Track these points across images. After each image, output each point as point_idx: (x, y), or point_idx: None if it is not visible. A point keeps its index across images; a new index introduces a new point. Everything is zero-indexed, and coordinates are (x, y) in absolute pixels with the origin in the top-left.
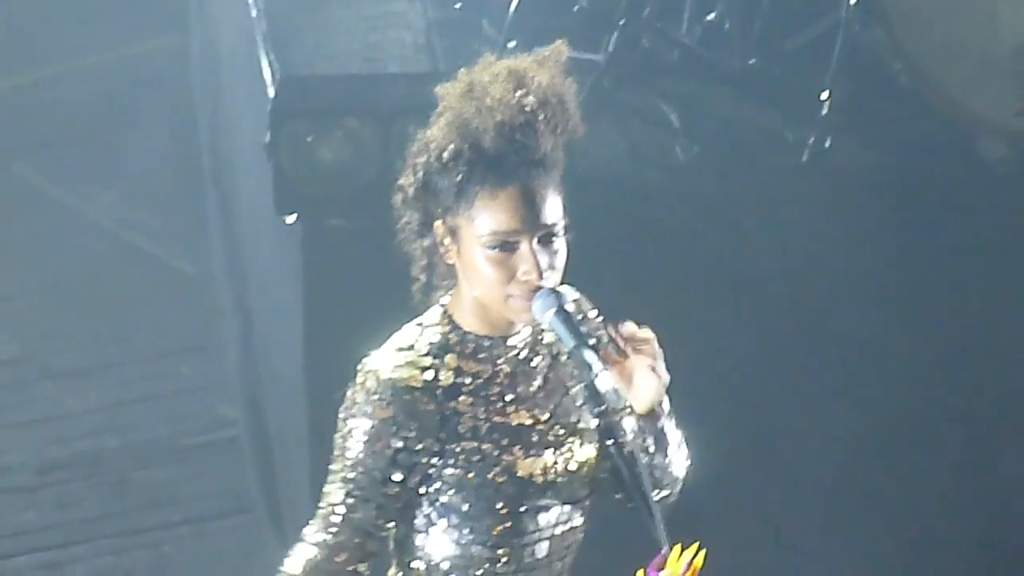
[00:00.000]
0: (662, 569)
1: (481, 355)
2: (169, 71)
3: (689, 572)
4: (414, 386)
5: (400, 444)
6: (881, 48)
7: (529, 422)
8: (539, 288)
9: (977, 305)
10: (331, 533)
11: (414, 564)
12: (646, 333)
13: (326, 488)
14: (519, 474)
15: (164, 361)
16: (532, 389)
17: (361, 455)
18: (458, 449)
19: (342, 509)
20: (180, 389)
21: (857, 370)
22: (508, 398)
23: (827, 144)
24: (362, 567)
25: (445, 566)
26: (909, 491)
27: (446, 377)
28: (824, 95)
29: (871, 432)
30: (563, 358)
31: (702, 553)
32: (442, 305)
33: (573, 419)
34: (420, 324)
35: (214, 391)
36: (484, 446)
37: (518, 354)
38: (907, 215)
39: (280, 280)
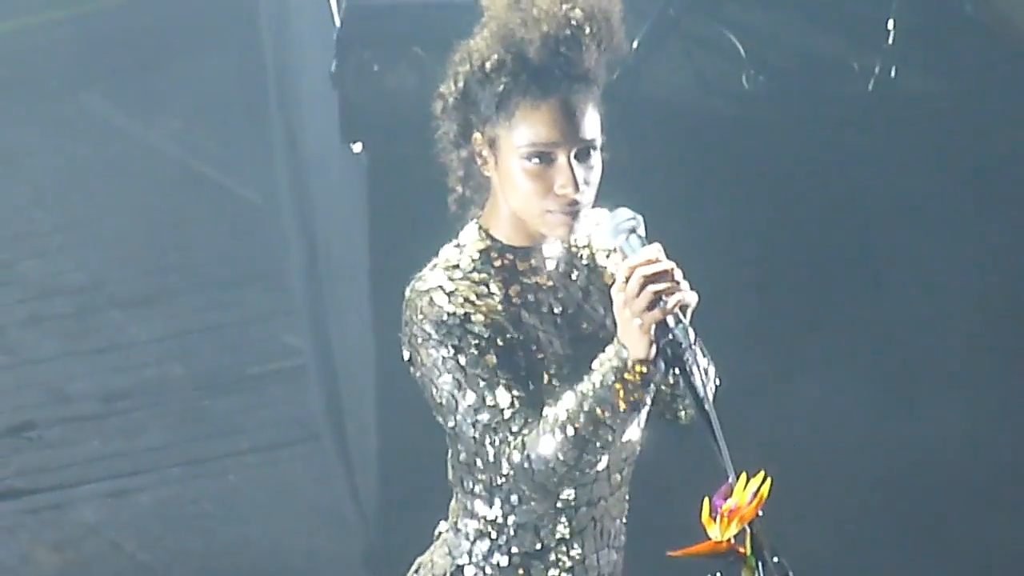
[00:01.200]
0: (728, 498)
1: (522, 266)
2: None
3: (755, 501)
4: (476, 292)
5: (485, 334)
6: None
7: (584, 328)
8: (575, 202)
9: None
10: (524, 420)
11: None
12: (658, 265)
13: (470, 421)
14: None
15: (230, 290)
16: (579, 298)
17: (471, 353)
18: (525, 357)
19: (507, 400)
20: (246, 318)
21: (919, 308)
22: (556, 310)
23: (893, 73)
24: None
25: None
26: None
27: (498, 287)
28: (890, 24)
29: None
30: (600, 270)
31: (768, 482)
32: (476, 221)
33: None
34: (458, 245)
35: (280, 320)
36: (539, 355)
37: (557, 266)
38: (973, 147)
39: (346, 209)
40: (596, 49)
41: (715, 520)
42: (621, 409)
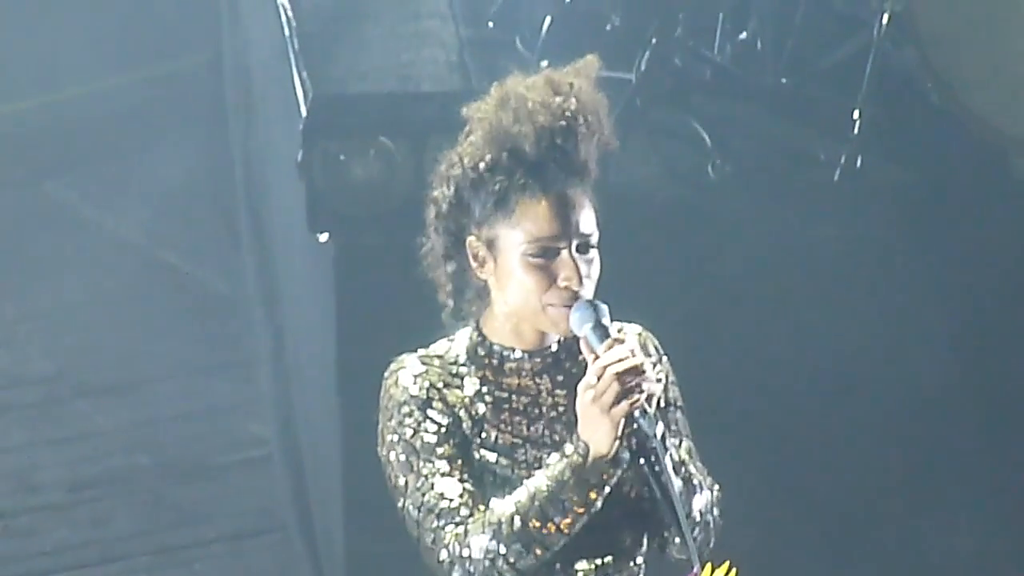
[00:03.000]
0: None
1: (508, 367)
2: (201, 89)
3: None
4: (444, 382)
5: (444, 421)
6: (913, 67)
7: (550, 442)
8: (577, 296)
9: (1009, 324)
10: (469, 512)
11: None
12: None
13: (416, 505)
14: None
15: (197, 379)
16: (560, 409)
17: (427, 440)
18: (480, 459)
19: (452, 507)
20: (212, 407)
21: (886, 389)
22: (533, 414)
23: (859, 163)
24: None
25: None
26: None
27: (471, 384)
28: (856, 114)
29: (901, 453)
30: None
31: (733, 572)
32: (475, 321)
33: None
34: (451, 339)
35: (246, 409)
36: (503, 461)
37: (547, 371)
38: (938, 234)
39: (312, 298)
40: (589, 142)
41: None
42: (576, 509)
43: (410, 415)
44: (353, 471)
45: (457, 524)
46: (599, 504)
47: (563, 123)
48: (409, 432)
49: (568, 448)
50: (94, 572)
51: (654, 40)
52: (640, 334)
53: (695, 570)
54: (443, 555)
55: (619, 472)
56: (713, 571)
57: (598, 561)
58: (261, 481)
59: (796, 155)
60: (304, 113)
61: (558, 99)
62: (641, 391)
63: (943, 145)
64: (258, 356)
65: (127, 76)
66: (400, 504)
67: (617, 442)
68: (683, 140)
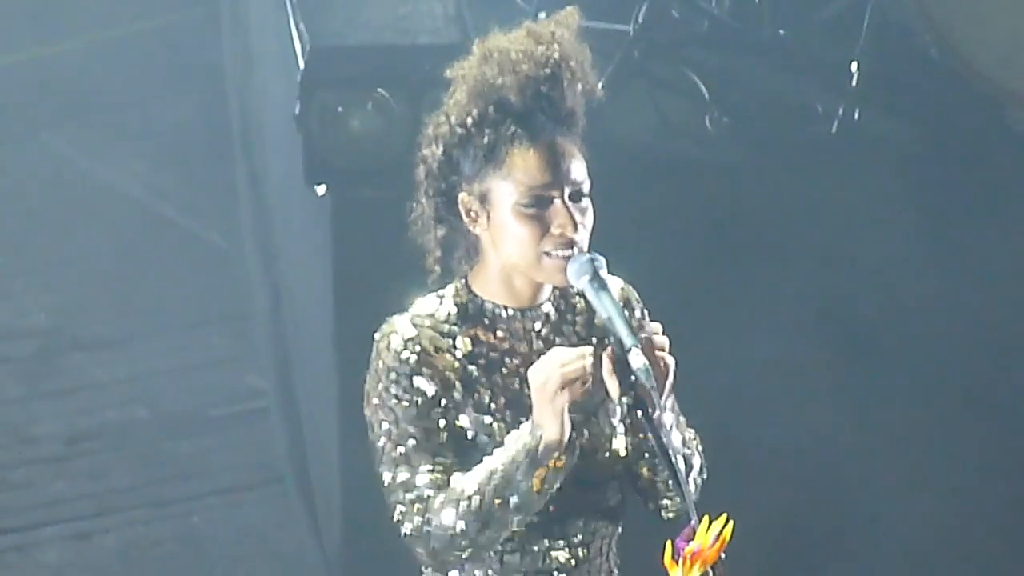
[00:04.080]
0: (691, 540)
1: (500, 326)
2: (199, 41)
3: (717, 544)
4: (436, 346)
5: (434, 396)
6: (911, 19)
7: None
8: (572, 243)
9: (1007, 277)
10: (436, 488)
11: None
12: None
13: (387, 466)
14: None
15: (193, 332)
16: None
17: (407, 418)
18: (474, 419)
19: (421, 481)
20: (209, 360)
21: (884, 340)
22: (525, 375)
23: (856, 116)
24: None
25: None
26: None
27: (464, 344)
28: (854, 66)
29: (893, 418)
30: (593, 341)
31: (730, 525)
32: (463, 278)
33: (593, 403)
34: (440, 295)
35: (243, 362)
36: (496, 422)
37: (539, 330)
38: (936, 187)
39: (309, 251)
40: (575, 89)
41: (678, 563)
42: (534, 489)
43: (396, 382)
44: (350, 424)
45: (422, 501)
46: (554, 488)
47: (547, 71)
48: (393, 400)
49: (524, 428)
50: (91, 524)
51: None
52: (623, 288)
53: (692, 523)
54: (407, 528)
55: (573, 459)
56: (711, 524)
57: (576, 537)
58: (258, 434)
59: (794, 108)
60: (302, 65)
61: (540, 48)
62: (584, 383)
63: (941, 98)
64: (255, 309)
65: (125, 29)
66: (376, 467)
67: (567, 430)
68: (680, 92)
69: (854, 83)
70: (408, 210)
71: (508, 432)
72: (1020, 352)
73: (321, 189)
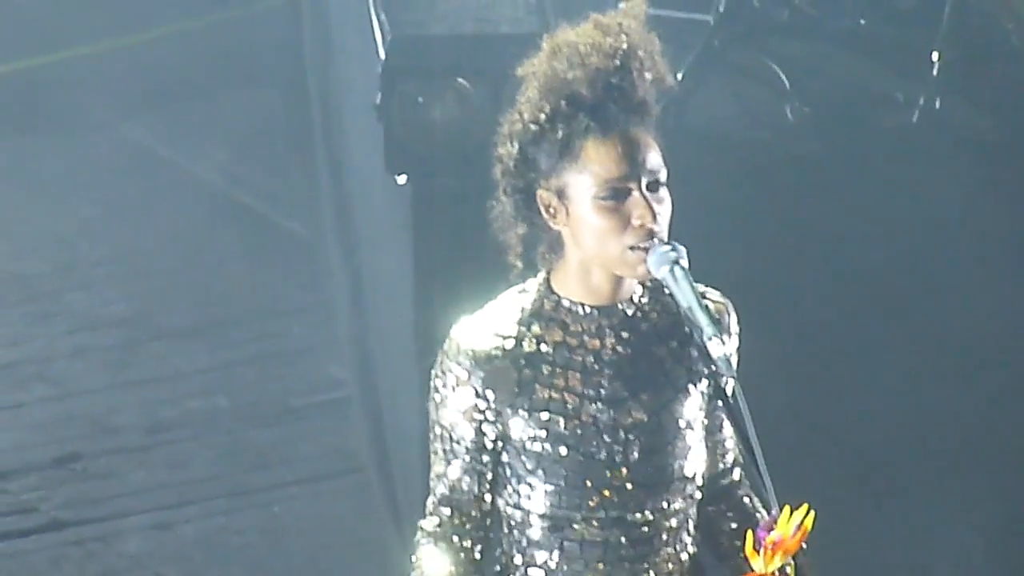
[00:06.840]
0: (772, 530)
1: (575, 324)
2: (279, 31)
3: (799, 534)
4: (493, 354)
5: (484, 407)
6: (992, 8)
7: (595, 395)
8: (653, 234)
9: None
10: (445, 506)
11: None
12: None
13: (432, 460)
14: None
15: (274, 321)
16: (619, 365)
17: (454, 422)
18: (536, 420)
19: (452, 477)
20: (290, 349)
21: (964, 329)
22: (592, 368)
23: (937, 104)
24: (477, 549)
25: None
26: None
27: (529, 344)
28: (935, 56)
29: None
30: (671, 342)
31: (811, 515)
32: (546, 273)
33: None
34: (522, 290)
35: (324, 351)
36: (552, 416)
37: (613, 327)
38: (1017, 176)
39: (390, 241)
40: (645, 79)
41: (759, 552)
42: None
43: (454, 389)
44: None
45: (427, 535)
46: None
47: (617, 62)
48: (448, 408)
49: None
50: (172, 514)
51: None
52: (719, 303)
53: (773, 513)
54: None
55: None
56: (792, 514)
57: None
58: (339, 423)
59: (875, 97)
60: (382, 55)
61: (609, 39)
62: None
63: (1022, 87)
64: (336, 298)
65: (206, 18)
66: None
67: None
68: (761, 82)
69: (935, 72)
70: (488, 208)
71: (565, 427)
72: None
73: (402, 179)
